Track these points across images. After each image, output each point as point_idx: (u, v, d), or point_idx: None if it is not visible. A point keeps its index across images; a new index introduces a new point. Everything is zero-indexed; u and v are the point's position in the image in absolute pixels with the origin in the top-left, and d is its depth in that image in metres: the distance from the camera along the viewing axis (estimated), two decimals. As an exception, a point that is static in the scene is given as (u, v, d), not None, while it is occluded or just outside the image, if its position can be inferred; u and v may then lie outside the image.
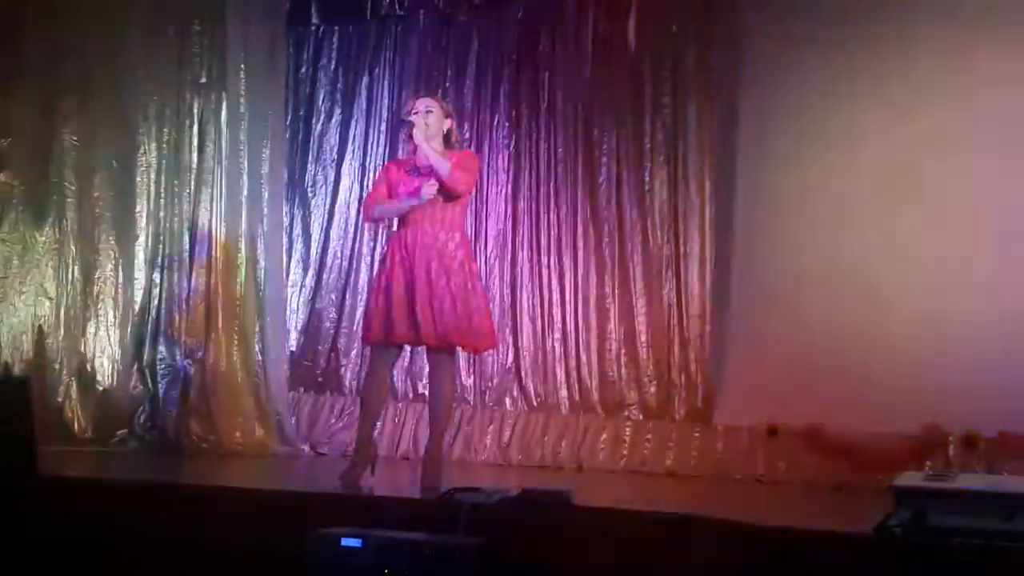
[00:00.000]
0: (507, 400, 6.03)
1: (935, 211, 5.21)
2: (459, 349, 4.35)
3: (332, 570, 3.08)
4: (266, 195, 6.00)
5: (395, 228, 4.34)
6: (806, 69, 5.56)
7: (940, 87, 5.23)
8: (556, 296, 6.00)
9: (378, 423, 4.44)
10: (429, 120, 4.23)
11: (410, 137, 4.19)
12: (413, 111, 4.27)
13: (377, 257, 6.28)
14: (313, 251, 6.47)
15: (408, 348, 4.64)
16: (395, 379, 6.19)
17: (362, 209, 4.47)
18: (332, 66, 6.55)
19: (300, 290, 6.46)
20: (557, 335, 5.97)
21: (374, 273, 6.16)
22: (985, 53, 5.13)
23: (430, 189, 4.14)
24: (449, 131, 4.30)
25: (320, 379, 6.33)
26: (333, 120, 6.48)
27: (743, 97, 5.72)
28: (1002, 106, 5.07)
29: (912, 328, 5.18)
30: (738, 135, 5.71)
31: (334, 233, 6.42)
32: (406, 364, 5.99)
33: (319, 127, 6.51)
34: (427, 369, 5.92)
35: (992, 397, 4.91)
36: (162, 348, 5.68)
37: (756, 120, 5.68)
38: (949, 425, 5.05)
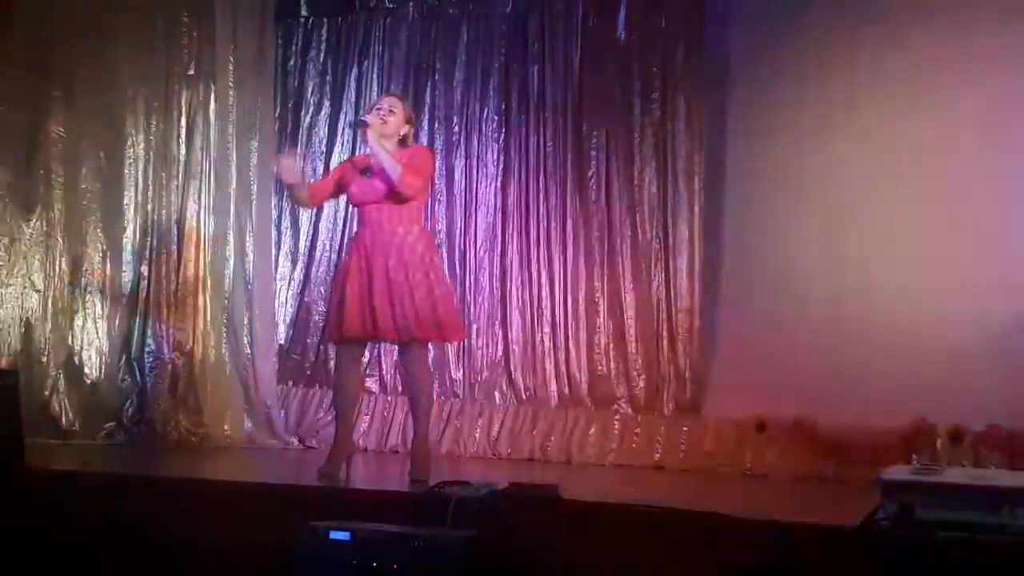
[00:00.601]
0: (496, 394, 6.03)
1: (925, 207, 5.23)
2: (427, 341, 4.35)
3: (321, 563, 3.08)
4: (254, 188, 5.99)
5: (355, 229, 4.38)
6: (797, 63, 5.57)
7: (937, 82, 5.24)
8: (545, 290, 6.00)
9: (353, 419, 4.46)
10: (389, 120, 4.24)
11: (365, 136, 4.20)
12: (376, 107, 4.29)
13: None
14: (301, 244, 6.45)
15: (375, 344, 4.64)
16: (384, 372, 6.20)
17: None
18: (321, 58, 6.53)
19: (288, 283, 6.45)
20: (546, 329, 5.97)
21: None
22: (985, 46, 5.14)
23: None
24: (406, 136, 4.31)
25: (309, 372, 6.32)
26: (322, 112, 6.47)
27: (733, 91, 5.73)
28: (1000, 104, 5.08)
29: (900, 322, 5.20)
30: (727, 129, 5.72)
31: (322, 226, 6.41)
32: (394, 359, 5.99)
33: (308, 119, 6.49)
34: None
35: (979, 391, 4.94)
36: (150, 341, 5.67)
37: (746, 114, 5.69)
38: (936, 419, 5.07)
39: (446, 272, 5.00)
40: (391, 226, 4.18)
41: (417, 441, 4.31)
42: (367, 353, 5.41)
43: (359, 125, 4.25)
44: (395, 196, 4.16)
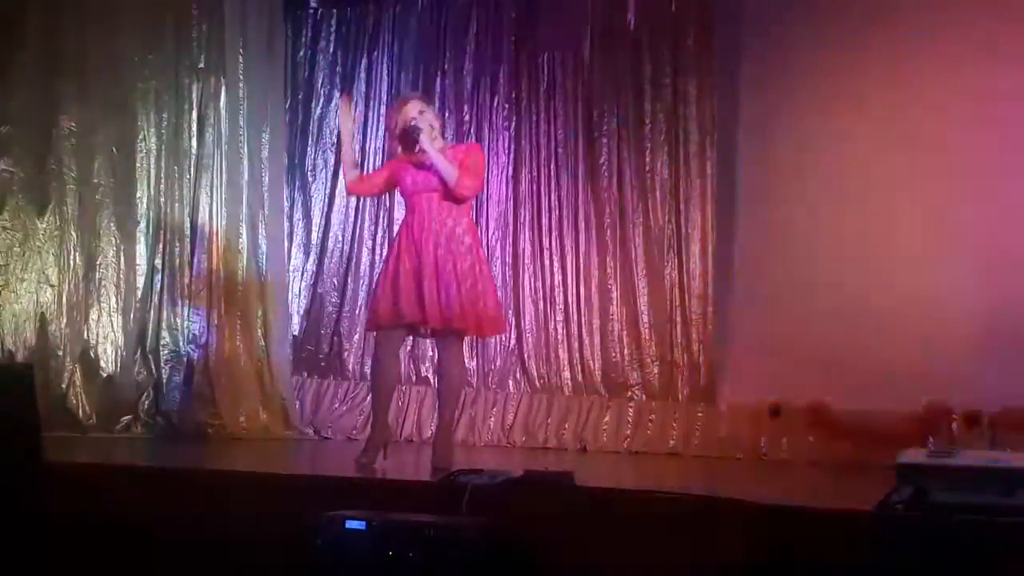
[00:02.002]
0: (510, 382, 6.04)
1: (938, 190, 5.21)
2: (465, 333, 4.36)
3: (337, 552, 3.10)
4: (266, 179, 6.00)
5: (403, 216, 4.37)
6: (807, 46, 5.54)
7: (947, 66, 5.22)
8: (558, 278, 6.00)
9: (390, 407, 4.47)
10: (436, 124, 4.27)
11: (416, 143, 4.18)
12: (411, 117, 4.22)
13: (378, 240, 6.30)
14: (314, 235, 6.46)
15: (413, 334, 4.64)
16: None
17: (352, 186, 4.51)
18: (331, 49, 6.53)
19: (302, 274, 6.47)
20: (559, 317, 5.98)
21: (381, 259, 6.21)
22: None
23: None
24: (438, 127, 4.32)
25: (323, 363, 6.34)
26: (332, 103, 6.46)
27: (744, 75, 5.71)
28: (1010, 99, 5.05)
29: (914, 306, 5.18)
30: (739, 114, 5.70)
31: (335, 217, 6.41)
32: (408, 348, 6.00)
33: (318, 110, 6.50)
34: (430, 353, 6.00)
35: (994, 373, 4.92)
36: (165, 334, 5.69)
37: (757, 98, 5.67)
38: (951, 402, 5.06)
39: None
40: (441, 216, 4.19)
41: (441, 430, 4.33)
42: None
43: (413, 132, 4.21)
44: (449, 193, 4.18)
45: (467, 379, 5.94)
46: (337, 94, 4.29)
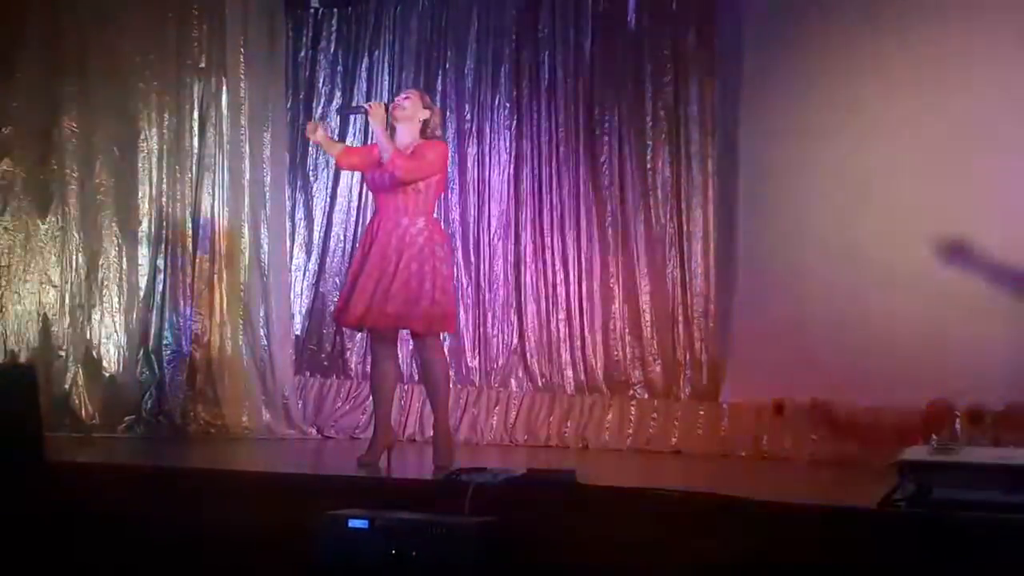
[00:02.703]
0: (512, 381, 6.04)
1: (941, 185, 5.20)
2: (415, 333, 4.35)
3: (339, 551, 3.10)
4: (268, 179, 6.00)
5: (370, 217, 4.44)
6: (808, 44, 5.54)
7: (950, 65, 5.21)
8: (560, 276, 6.00)
9: (391, 408, 4.48)
10: (405, 104, 4.30)
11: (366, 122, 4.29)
12: (395, 104, 4.35)
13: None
14: (316, 235, 6.46)
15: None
16: (399, 361, 6.21)
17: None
18: (332, 49, 6.53)
19: (303, 274, 6.46)
20: (561, 315, 5.97)
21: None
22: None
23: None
24: (426, 121, 4.33)
25: (325, 363, 6.34)
26: (333, 103, 6.46)
27: (744, 73, 5.70)
28: (1012, 95, 5.05)
29: (917, 303, 5.17)
30: (740, 111, 5.70)
31: (336, 216, 6.41)
32: (412, 348, 5.99)
33: (320, 110, 6.50)
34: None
35: (998, 370, 4.91)
36: (168, 334, 5.69)
37: (758, 95, 5.67)
38: (955, 399, 5.05)
39: (453, 264, 5.00)
40: (397, 216, 4.23)
41: (438, 429, 4.34)
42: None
43: (358, 111, 4.33)
44: (402, 186, 4.19)
45: (464, 376, 5.95)
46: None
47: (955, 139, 5.16)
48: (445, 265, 4.30)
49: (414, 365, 6.13)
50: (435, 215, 4.43)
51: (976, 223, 5.10)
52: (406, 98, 4.35)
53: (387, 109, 4.32)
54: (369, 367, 6.20)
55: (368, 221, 4.41)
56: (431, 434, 5.72)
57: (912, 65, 5.26)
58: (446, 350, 4.79)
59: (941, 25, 5.23)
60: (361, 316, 4.21)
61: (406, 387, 6.11)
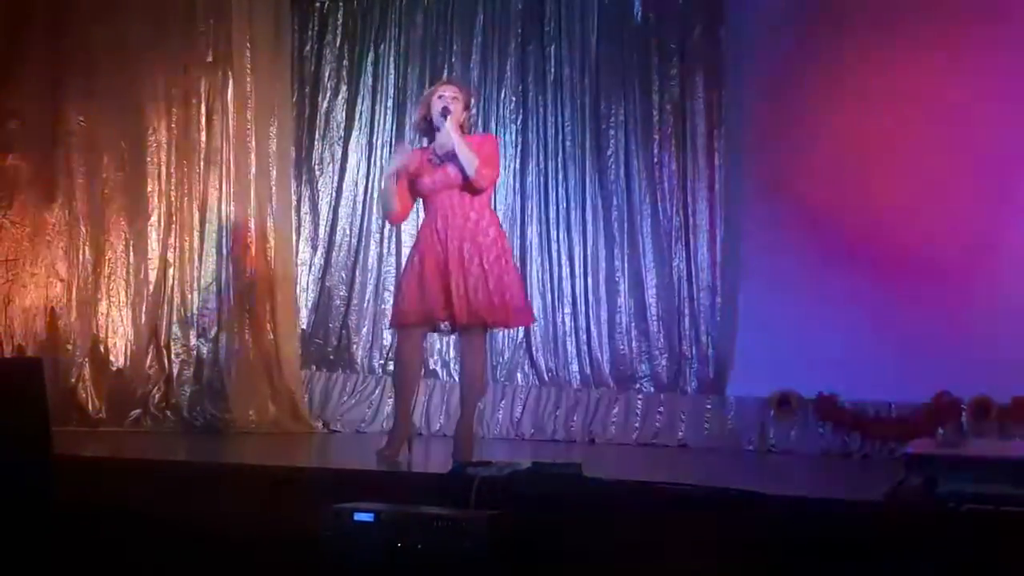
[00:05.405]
0: (518, 375, 6.05)
1: (944, 171, 5.20)
2: (493, 327, 4.36)
3: (345, 544, 3.10)
4: (274, 173, 6.00)
5: (423, 215, 4.36)
6: (815, 38, 5.53)
7: (953, 64, 5.20)
8: (566, 270, 6.00)
9: (413, 402, 4.49)
10: (453, 107, 4.24)
11: (440, 125, 4.19)
12: (438, 94, 4.27)
13: (386, 234, 6.30)
14: (321, 229, 6.46)
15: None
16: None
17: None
18: (337, 43, 6.52)
19: (309, 268, 6.46)
20: (567, 309, 5.97)
21: (388, 253, 6.22)
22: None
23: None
24: (463, 122, 4.32)
25: (332, 357, 6.35)
26: (339, 97, 6.46)
27: (751, 66, 5.69)
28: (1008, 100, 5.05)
29: (923, 296, 5.17)
30: (746, 105, 5.69)
31: (342, 211, 6.41)
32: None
33: (325, 104, 6.49)
34: (438, 346, 6.01)
35: (1004, 364, 4.91)
36: (175, 328, 5.70)
37: (764, 90, 5.65)
38: (961, 393, 5.05)
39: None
40: (464, 212, 4.20)
41: (462, 423, 4.33)
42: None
43: (443, 114, 4.20)
44: (468, 184, 4.18)
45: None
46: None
47: (962, 137, 5.15)
48: (512, 257, 4.36)
49: (439, 361, 6.12)
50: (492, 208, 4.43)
51: (981, 218, 5.09)
52: (455, 100, 4.24)
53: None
54: (378, 360, 6.26)
55: (425, 220, 4.29)
56: (437, 428, 5.79)
57: (922, 61, 5.24)
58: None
59: (953, 22, 5.21)
60: (444, 312, 4.15)
61: (430, 383, 6.05)
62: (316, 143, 6.49)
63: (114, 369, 5.53)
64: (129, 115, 5.65)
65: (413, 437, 4.43)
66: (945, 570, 2.70)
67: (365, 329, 6.28)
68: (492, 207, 4.41)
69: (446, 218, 4.21)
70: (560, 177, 6.03)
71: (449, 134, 4.18)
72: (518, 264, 6.04)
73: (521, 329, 6.04)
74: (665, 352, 5.76)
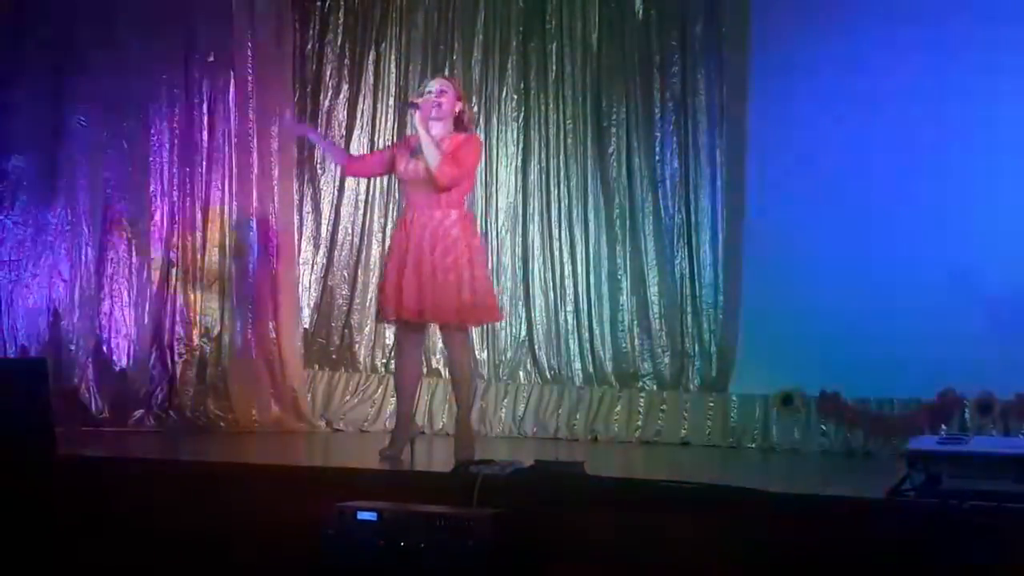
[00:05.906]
0: (521, 373, 6.05)
1: (949, 172, 5.19)
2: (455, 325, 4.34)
3: (348, 543, 3.11)
4: (276, 172, 6.01)
5: (402, 210, 4.42)
6: (816, 35, 5.52)
7: (954, 64, 5.19)
8: (568, 268, 6.00)
9: (414, 401, 4.50)
10: (442, 101, 4.26)
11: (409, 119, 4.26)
12: (427, 90, 4.32)
13: (388, 233, 6.29)
14: (324, 228, 6.46)
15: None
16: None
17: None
18: (338, 42, 6.51)
19: (312, 267, 6.46)
20: (569, 307, 5.97)
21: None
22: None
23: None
24: (461, 112, 4.32)
25: (334, 356, 6.35)
26: (341, 96, 6.46)
27: (752, 62, 5.68)
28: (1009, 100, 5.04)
29: (926, 294, 5.16)
30: (748, 101, 5.68)
31: (344, 210, 6.41)
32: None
33: (327, 103, 6.48)
34: (440, 344, 5.99)
35: (1007, 361, 4.90)
36: (178, 328, 5.71)
37: (766, 86, 5.64)
38: (963, 390, 5.04)
39: (487, 254, 5.00)
40: (430, 209, 4.22)
41: (460, 422, 4.34)
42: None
43: (410, 107, 4.28)
44: (433, 180, 4.18)
45: (476, 368, 5.95)
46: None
47: (966, 132, 5.14)
48: (480, 255, 4.34)
49: (441, 360, 6.12)
50: (466, 207, 4.42)
51: (983, 216, 5.08)
52: (442, 92, 4.28)
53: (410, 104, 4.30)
54: (380, 359, 6.27)
55: (400, 215, 4.37)
56: (440, 427, 5.78)
57: (925, 54, 5.24)
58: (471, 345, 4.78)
59: (957, 15, 5.20)
60: (401, 310, 4.19)
61: (432, 381, 6.05)
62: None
63: (117, 369, 5.54)
64: (130, 115, 5.65)
65: (415, 436, 4.43)
66: (948, 567, 2.70)
67: (368, 328, 6.28)
68: (466, 207, 4.38)
69: (414, 210, 4.26)
70: (562, 175, 6.03)
71: (417, 131, 4.21)
72: (518, 263, 6.08)
73: (524, 327, 6.05)
74: (667, 350, 5.76)
